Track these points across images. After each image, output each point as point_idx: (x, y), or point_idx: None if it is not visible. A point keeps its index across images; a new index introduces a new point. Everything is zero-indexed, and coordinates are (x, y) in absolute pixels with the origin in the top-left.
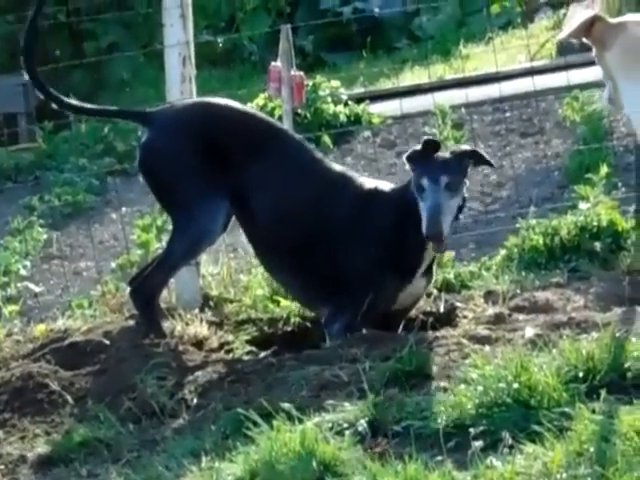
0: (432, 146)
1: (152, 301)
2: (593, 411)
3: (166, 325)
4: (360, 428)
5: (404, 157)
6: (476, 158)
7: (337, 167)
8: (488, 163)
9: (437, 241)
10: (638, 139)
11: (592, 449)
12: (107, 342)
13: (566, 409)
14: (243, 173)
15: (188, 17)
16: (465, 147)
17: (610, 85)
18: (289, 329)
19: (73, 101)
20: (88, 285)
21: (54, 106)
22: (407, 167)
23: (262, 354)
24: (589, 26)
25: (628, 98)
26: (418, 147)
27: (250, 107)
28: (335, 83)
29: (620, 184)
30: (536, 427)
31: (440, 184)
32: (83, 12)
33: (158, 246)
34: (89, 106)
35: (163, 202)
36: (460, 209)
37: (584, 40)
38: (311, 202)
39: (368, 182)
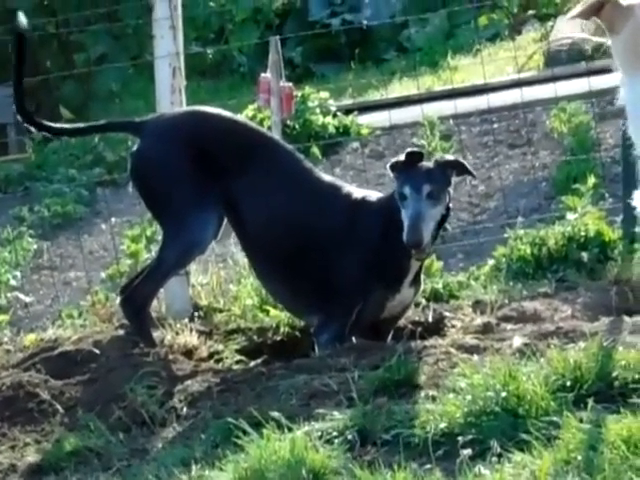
0: (415, 156)
1: (142, 310)
2: (581, 420)
3: (156, 334)
4: (349, 436)
5: (387, 166)
6: (459, 168)
7: (326, 177)
8: (471, 173)
9: (417, 248)
10: (631, 135)
11: (580, 457)
12: (97, 351)
13: (554, 418)
14: (234, 181)
15: (178, 29)
16: (449, 157)
17: None
18: (278, 338)
19: (65, 125)
20: (78, 295)
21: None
22: (391, 176)
23: (252, 363)
24: (600, 7)
25: (628, 87)
26: (402, 157)
27: (240, 117)
28: (324, 94)
29: (607, 195)
30: (524, 436)
31: (422, 193)
32: (73, 23)
33: (147, 256)
34: (80, 126)
35: (154, 211)
36: (444, 218)
37: (595, 20)
38: (300, 211)
39: (356, 192)
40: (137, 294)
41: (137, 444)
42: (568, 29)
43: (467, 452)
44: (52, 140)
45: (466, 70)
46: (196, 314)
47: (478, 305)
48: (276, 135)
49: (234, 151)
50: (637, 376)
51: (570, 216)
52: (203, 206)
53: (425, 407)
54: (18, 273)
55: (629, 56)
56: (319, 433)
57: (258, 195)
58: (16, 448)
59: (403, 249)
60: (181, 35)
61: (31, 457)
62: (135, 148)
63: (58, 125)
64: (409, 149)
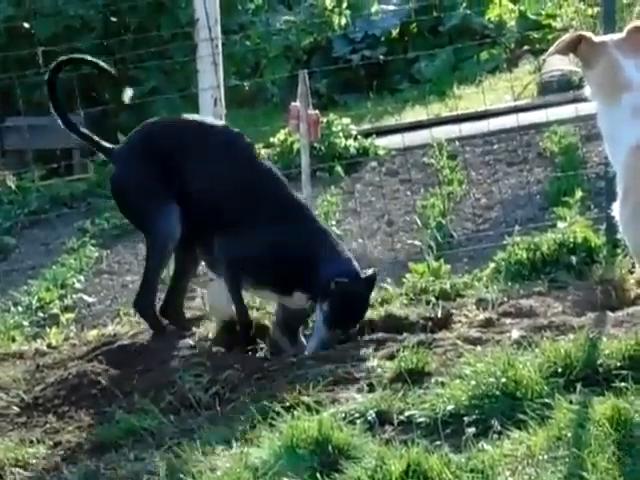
0: None
1: (151, 312)
2: (570, 402)
3: (200, 330)
4: (369, 418)
5: None
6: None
7: (266, 165)
8: None
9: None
10: (608, 155)
11: (569, 434)
12: (151, 345)
13: (547, 400)
14: (183, 172)
15: (219, 64)
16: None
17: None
18: None
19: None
20: (134, 296)
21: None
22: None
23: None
24: (576, 43)
25: (603, 115)
26: None
27: (194, 116)
28: (346, 120)
29: (593, 206)
30: (521, 416)
31: None
32: (128, 61)
33: None
34: (83, 131)
35: (133, 222)
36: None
37: (572, 55)
38: (235, 193)
39: (286, 195)
40: (141, 301)
41: (185, 425)
42: (558, 62)
43: (471, 430)
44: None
45: (469, 98)
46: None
47: (481, 303)
48: (305, 156)
49: (180, 145)
50: (619, 363)
51: (561, 225)
52: (165, 201)
53: (435, 392)
54: (82, 277)
55: (602, 89)
56: (343, 415)
57: (200, 179)
58: (81, 428)
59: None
60: (221, 70)
61: (94, 436)
62: (110, 175)
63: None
64: None
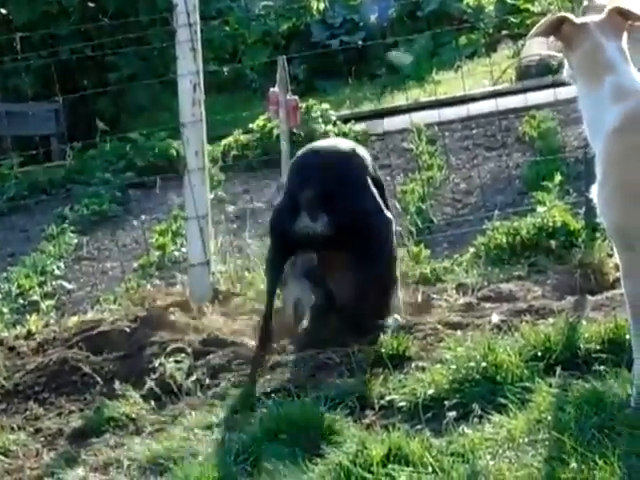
0: None
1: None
2: (550, 385)
3: (181, 317)
4: (350, 402)
5: None
6: None
7: None
8: None
9: None
10: (588, 138)
11: (549, 417)
12: (130, 331)
13: (527, 384)
14: None
15: (198, 50)
16: None
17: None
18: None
19: None
20: (113, 282)
21: None
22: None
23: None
24: (558, 25)
25: (583, 96)
26: None
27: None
28: (325, 106)
29: (571, 190)
30: (501, 400)
31: None
32: (107, 47)
33: (173, 248)
34: None
35: None
36: None
37: (553, 38)
38: None
39: None
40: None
41: (166, 411)
42: (537, 47)
43: (452, 414)
44: (90, 148)
45: (448, 83)
46: (216, 298)
47: (461, 287)
48: (284, 142)
49: None
50: (599, 347)
51: (540, 209)
52: None
53: (415, 376)
54: (62, 264)
55: (585, 71)
56: (324, 400)
57: None
58: (62, 415)
59: None
60: (200, 56)
61: (75, 422)
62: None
63: None
64: None
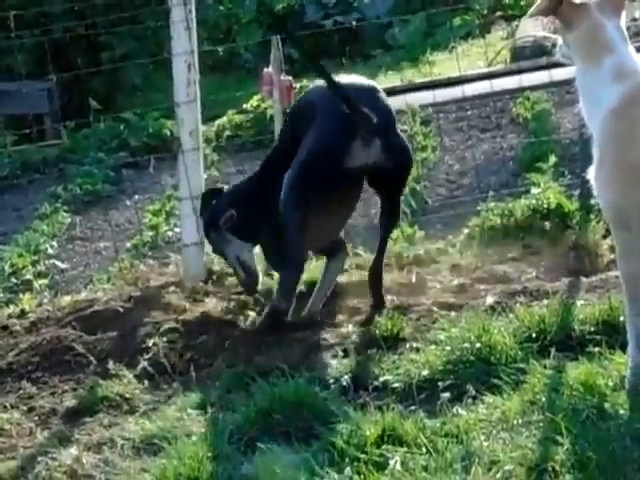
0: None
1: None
2: (544, 366)
3: (175, 297)
4: (344, 383)
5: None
6: None
7: None
8: None
9: None
10: (585, 119)
11: (543, 399)
12: (124, 311)
13: (521, 365)
14: None
15: (192, 29)
16: None
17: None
18: None
19: None
20: (107, 262)
21: None
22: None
23: (258, 320)
24: (557, 5)
25: (581, 76)
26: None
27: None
28: None
29: (566, 172)
30: (496, 381)
31: None
32: (100, 26)
33: (167, 228)
34: None
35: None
36: None
37: (552, 18)
38: None
39: None
40: None
41: (160, 390)
42: (531, 28)
43: (446, 395)
44: (83, 127)
45: (443, 64)
46: (210, 278)
47: (455, 268)
48: (278, 122)
49: None
50: (593, 328)
51: (534, 191)
52: None
53: (409, 357)
54: (55, 243)
55: (584, 51)
56: (318, 380)
57: None
58: (56, 394)
59: None
60: (195, 35)
61: (69, 402)
62: None
63: None
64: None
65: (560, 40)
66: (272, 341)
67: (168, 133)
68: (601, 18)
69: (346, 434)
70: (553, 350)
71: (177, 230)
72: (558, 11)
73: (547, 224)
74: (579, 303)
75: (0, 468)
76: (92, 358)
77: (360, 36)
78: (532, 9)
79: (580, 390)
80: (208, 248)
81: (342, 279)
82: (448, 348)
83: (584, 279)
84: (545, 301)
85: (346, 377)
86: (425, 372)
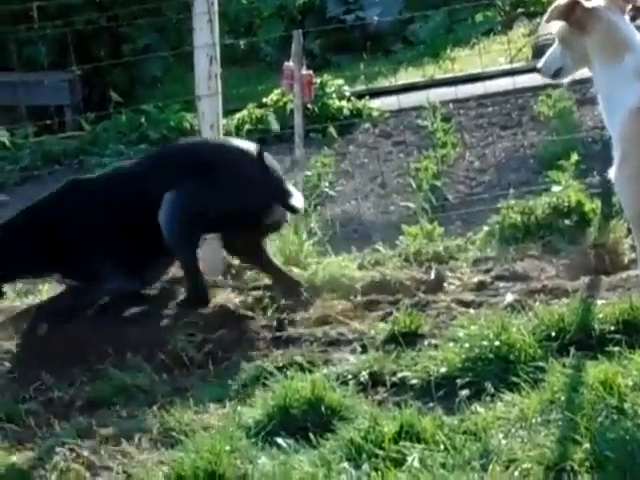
0: None
1: None
2: (563, 365)
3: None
4: (362, 379)
5: None
6: None
7: None
8: None
9: None
10: (604, 120)
11: (562, 397)
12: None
13: (540, 363)
14: None
15: (215, 22)
16: None
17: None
18: None
19: None
20: None
21: None
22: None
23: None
24: (570, 10)
25: (599, 77)
26: None
27: None
28: (339, 81)
29: (587, 170)
30: (514, 379)
31: None
32: (121, 18)
33: None
34: None
35: None
36: None
37: (564, 23)
38: None
39: None
40: None
41: (178, 383)
42: (553, 26)
43: (465, 393)
44: (104, 119)
45: (464, 61)
46: (228, 272)
47: (474, 265)
48: (297, 117)
49: None
50: (612, 327)
51: (555, 189)
52: None
53: (428, 354)
54: None
55: (603, 51)
56: (336, 376)
57: None
58: (74, 385)
59: None
60: (217, 28)
61: (86, 393)
62: None
63: None
64: None
65: (559, 49)
66: (290, 336)
67: (188, 126)
68: (614, 18)
69: (364, 430)
70: (572, 349)
71: None
72: (572, 16)
73: (567, 222)
74: (599, 302)
75: (19, 459)
76: (110, 350)
77: (381, 31)
78: (547, 15)
79: (599, 389)
80: None
81: (360, 275)
82: (467, 345)
83: (604, 278)
84: (565, 300)
85: (364, 373)
86: (443, 369)
